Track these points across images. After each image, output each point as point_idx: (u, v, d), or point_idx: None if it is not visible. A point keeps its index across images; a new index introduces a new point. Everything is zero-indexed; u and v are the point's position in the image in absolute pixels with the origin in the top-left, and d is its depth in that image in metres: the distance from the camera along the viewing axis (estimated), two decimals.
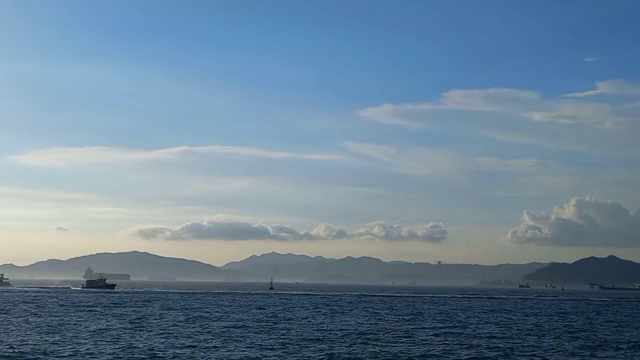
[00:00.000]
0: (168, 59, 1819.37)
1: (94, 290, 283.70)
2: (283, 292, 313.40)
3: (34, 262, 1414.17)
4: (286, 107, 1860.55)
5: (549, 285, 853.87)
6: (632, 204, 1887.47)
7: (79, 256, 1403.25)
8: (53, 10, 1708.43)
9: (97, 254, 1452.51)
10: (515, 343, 76.78)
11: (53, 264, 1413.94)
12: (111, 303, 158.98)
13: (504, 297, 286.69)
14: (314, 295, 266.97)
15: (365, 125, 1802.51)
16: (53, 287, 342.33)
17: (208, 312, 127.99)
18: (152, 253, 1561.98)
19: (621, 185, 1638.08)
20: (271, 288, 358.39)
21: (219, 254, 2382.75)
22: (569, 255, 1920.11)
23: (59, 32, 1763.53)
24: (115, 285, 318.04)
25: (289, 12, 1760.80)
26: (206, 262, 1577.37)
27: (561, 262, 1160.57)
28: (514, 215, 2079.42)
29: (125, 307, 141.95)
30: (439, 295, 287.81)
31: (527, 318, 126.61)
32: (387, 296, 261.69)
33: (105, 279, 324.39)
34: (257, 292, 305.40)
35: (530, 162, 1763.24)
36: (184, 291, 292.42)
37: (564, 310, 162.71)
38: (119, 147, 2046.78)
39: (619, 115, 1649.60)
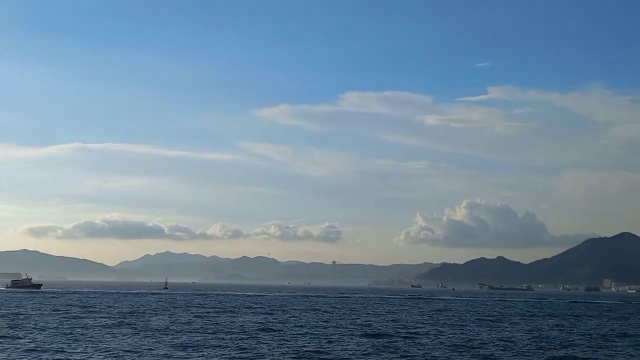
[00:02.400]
0: (63, 55, 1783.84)
1: (21, 290, 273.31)
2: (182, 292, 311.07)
3: None
4: (183, 105, 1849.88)
5: (440, 285, 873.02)
6: (521, 207, 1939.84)
7: None
8: None
9: None
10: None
11: None
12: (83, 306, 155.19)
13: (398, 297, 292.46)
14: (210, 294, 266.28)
15: (262, 126, 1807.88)
16: None
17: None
18: (43, 252, 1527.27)
19: (510, 188, 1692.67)
20: (165, 288, 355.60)
21: (112, 253, 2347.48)
22: (460, 255, 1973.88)
23: None
24: (41, 285, 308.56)
25: (187, 11, 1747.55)
26: (98, 262, 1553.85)
27: (452, 262, 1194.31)
28: (408, 217, 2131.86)
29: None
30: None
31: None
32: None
33: (30, 279, 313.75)
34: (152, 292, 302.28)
35: (423, 165, 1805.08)
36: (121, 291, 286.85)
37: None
38: (9, 143, 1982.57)
39: (509, 120, 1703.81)
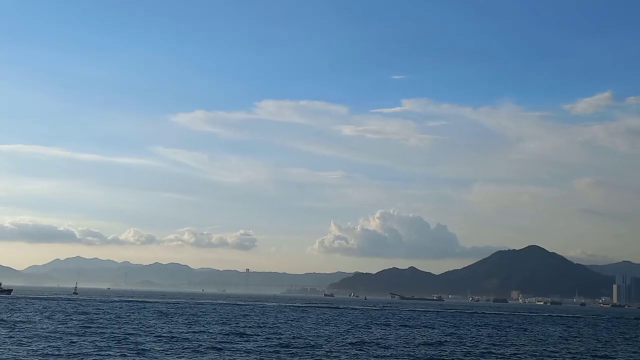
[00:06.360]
0: None
1: None
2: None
3: None
4: (95, 108, 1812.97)
5: (352, 294, 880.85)
6: (433, 218, 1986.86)
7: None
8: None
9: None
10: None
11: None
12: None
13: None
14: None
15: (177, 131, 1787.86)
16: None
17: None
18: None
19: (423, 200, 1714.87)
20: (75, 293, 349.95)
21: (20, 257, 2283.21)
22: (372, 265, 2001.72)
23: None
24: (11, 290, 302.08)
25: (103, 10, 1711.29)
26: (6, 265, 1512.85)
27: (365, 272, 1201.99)
28: (322, 226, 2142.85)
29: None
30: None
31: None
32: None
33: (0, 284, 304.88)
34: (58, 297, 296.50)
35: (338, 174, 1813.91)
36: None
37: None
38: None
39: (423, 133, 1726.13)
